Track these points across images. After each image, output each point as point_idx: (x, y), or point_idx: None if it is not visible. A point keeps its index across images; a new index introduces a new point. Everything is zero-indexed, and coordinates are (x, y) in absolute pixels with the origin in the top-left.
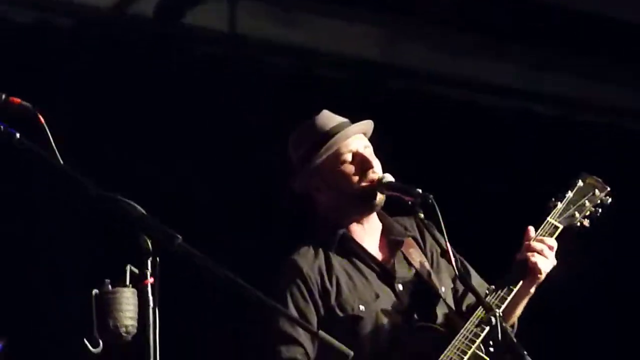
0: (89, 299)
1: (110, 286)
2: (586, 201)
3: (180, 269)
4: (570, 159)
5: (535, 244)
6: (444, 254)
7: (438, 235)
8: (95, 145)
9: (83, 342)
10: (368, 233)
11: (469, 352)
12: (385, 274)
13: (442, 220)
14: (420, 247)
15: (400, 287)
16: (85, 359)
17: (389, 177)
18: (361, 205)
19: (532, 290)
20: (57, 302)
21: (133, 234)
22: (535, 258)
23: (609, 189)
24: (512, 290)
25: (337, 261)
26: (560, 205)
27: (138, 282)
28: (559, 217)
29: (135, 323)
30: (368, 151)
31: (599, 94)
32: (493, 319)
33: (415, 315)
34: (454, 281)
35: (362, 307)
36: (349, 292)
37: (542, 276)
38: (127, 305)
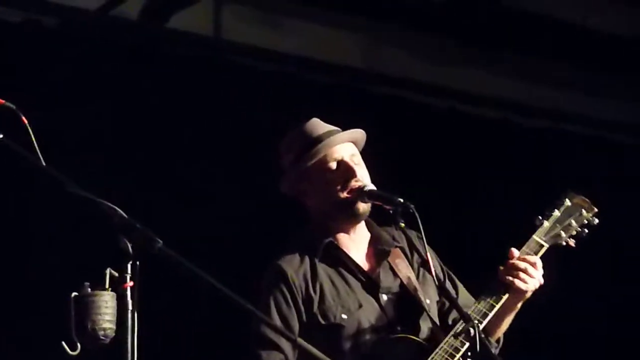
0: (67, 302)
1: (89, 289)
2: (572, 221)
3: (161, 272)
4: (553, 171)
5: (519, 263)
6: (424, 264)
7: (419, 245)
8: (78, 146)
9: (61, 344)
10: (355, 241)
11: None
12: (370, 284)
13: (422, 230)
14: (407, 258)
15: (385, 297)
16: None
17: (370, 186)
18: (344, 214)
19: (518, 306)
20: (35, 304)
21: (113, 237)
22: (517, 277)
23: (596, 210)
24: (493, 306)
25: (322, 268)
26: (546, 223)
27: (117, 286)
28: (544, 236)
29: (113, 326)
30: (355, 159)
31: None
32: (471, 330)
33: (398, 327)
34: (439, 295)
35: (344, 316)
36: (332, 300)
37: (527, 295)
38: (106, 308)
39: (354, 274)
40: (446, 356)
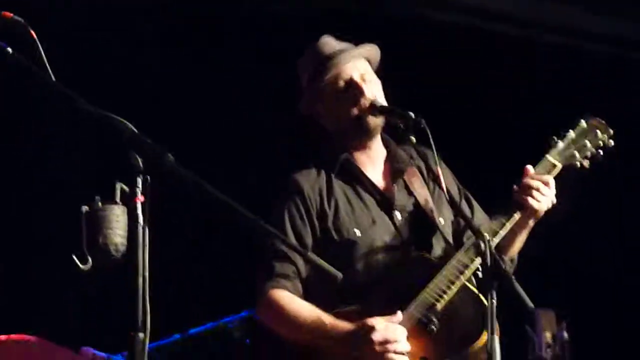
0: (78, 216)
1: (100, 203)
2: (587, 142)
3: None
4: (574, 89)
5: (532, 182)
6: (436, 179)
7: (431, 160)
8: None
9: (72, 258)
10: (371, 158)
11: (457, 283)
12: (385, 201)
13: (433, 145)
14: (423, 178)
15: (399, 215)
16: (75, 275)
17: (380, 102)
18: (357, 131)
19: (530, 224)
20: (46, 217)
21: (124, 152)
22: (530, 196)
23: (612, 131)
24: (504, 224)
25: (338, 184)
26: (560, 143)
27: (128, 200)
28: (558, 156)
29: (124, 241)
30: (367, 77)
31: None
32: (482, 244)
33: (412, 245)
34: (455, 215)
35: (357, 232)
36: (346, 215)
37: (540, 213)
38: (117, 222)
39: (368, 191)
40: (455, 272)
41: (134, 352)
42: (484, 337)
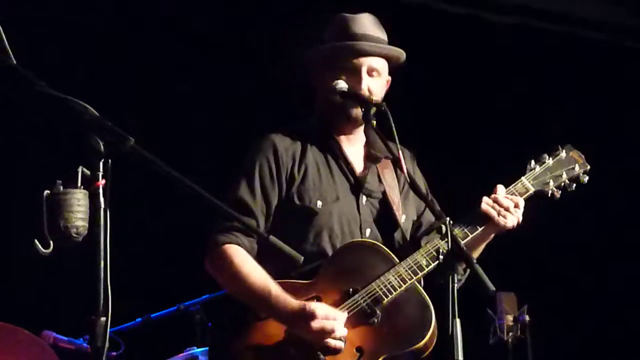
0: (39, 200)
1: (61, 187)
2: (564, 173)
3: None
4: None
5: (504, 200)
6: (395, 162)
7: (407, 159)
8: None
9: (33, 242)
10: (350, 140)
11: (409, 282)
12: (355, 182)
13: (394, 128)
14: (396, 173)
15: (364, 199)
16: (36, 259)
17: (341, 84)
18: (339, 116)
19: (491, 237)
20: (7, 202)
21: (85, 135)
22: (499, 213)
23: (589, 167)
24: (467, 235)
25: (312, 152)
26: (537, 168)
27: (90, 184)
28: (533, 180)
29: (86, 224)
30: (374, 73)
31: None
32: (443, 227)
33: (368, 230)
34: (419, 216)
35: (319, 203)
36: (312, 184)
37: (503, 230)
38: (79, 206)
39: (340, 167)
40: (409, 271)
41: (96, 335)
42: (423, 342)
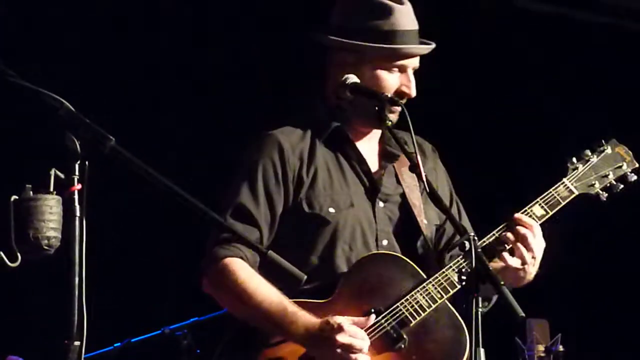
0: (6, 206)
1: (31, 192)
2: (610, 172)
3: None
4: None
5: (520, 228)
6: (414, 168)
7: (429, 157)
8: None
9: None
10: (365, 135)
11: (439, 301)
12: (370, 185)
13: (412, 129)
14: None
15: (381, 204)
16: (2, 273)
17: (353, 78)
18: (372, 122)
19: (521, 282)
20: None
21: (59, 133)
22: (521, 268)
23: (637, 165)
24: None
25: (322, 152)
26: (581, 168)
27: (63, 189)
28: (576, 182)
29: (58, 235)
30: (412, 72)
31: None
32: (467, 244)
33: (385, 240)
34: (443, 221)
35: (331, 210)
36: (323, 189)
37: (524, 276)
38: (50, 214)
39: (354, 169)
40: (440, 289)
41: None
42: None
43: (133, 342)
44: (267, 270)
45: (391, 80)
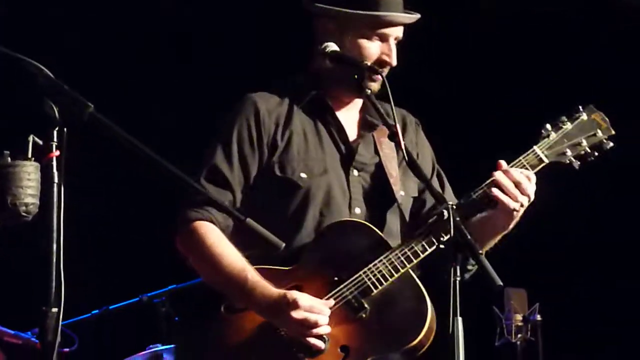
0: None
1: (9, 159)
2: (584, 140)
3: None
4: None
5: (514, 173)
6: (393, 136)
7: (410, 129)
8: None
9: None
10: (346, 105)
11: (401, 271)
12: (346, 153)
13: (391, 99)
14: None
15: (356, 172)
16: None
17: (332, 46)
18: (352, 89)
19: (509, 226)
20: None
21: (37, 100)
22: (507, 192)
23: (613, 132)
24: (474, 213)
25: (299, 117)
26: (553, 135)
27: (42, 155)
28: (547, 149)
29: (36, 201)
30: (394, 43)
31: None
32: (445, 212)
33: (358, 208)
34: (421, 192)
35: (303, 175)
36: (296, 153)
37: (515, 214)
38: (29, 180)
39: (331, 135)
40: (402, 258)
41: (46, 329)
42: (418, 339)
43: (111, 309)
44: (242, 234)
45: (372, 49)
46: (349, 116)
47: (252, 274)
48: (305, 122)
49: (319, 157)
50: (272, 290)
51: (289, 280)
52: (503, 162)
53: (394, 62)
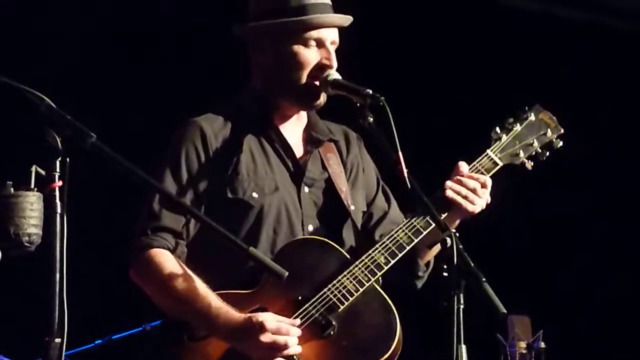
0: None
1: (12, 189)
2: (535, 140)
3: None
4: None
5: (468, 181)
6: (395, 164)
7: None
8: None
9: None
10: (291, 122)
11: (367, 285)
12: (294, 170)
13: (393, 125)
14: (341, 157)
15: (307, 189)
16: None
17: (335, 75)
18: (300, 100)
19: (456, 224)
20: None
21: (39, 130)
22: (465, 197)
23: (562, 131)
24: (429, 224)
25: (245, 138)
26: (504, 138)
27: (44, 185)
28: (500, 152)
29: (39, 231)
30: (333, 48)
31: None
32: (448, 240)
33: (311, 225)
34: (369, 205)
35: (255, 195)
36: (246, 174)
37: (469, 216)
38: (31, 211)
39: (278, 154)
40: (367, 272)
41: (50, 359)
42: (390, 352)
43: (115, 339)
44: (197, 258)
45: (310, 55)
46: (293, 133)
47: (215, 301)
48: (252, 141)
49: (268, 176)
50: (236, 315)
51: (252, 303)
52: (462, 165)
53: (335, 65)
